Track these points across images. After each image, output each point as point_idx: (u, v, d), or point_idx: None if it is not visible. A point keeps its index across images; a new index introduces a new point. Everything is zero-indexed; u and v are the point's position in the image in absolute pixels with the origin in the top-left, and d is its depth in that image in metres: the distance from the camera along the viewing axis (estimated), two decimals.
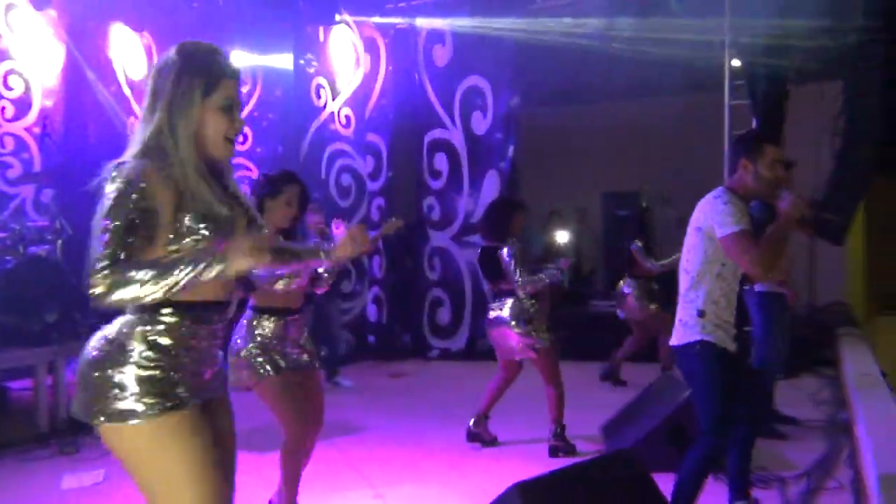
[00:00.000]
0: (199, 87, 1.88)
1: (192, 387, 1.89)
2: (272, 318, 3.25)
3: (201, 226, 1.85)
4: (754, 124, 6.48)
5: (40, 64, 6.67)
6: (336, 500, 3.93)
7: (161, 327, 1.85)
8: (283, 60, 8.52)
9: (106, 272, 1.70)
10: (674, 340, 3.13)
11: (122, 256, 1.73)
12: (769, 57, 6.38)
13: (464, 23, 8.44)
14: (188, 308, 1.86)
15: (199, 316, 1.89)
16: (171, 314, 1.85)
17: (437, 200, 8.95)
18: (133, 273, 1.70)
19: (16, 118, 6.55)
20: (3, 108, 6.47)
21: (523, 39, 8.16)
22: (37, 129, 6.31)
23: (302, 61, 8.49)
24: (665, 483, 3.06)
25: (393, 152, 9.42)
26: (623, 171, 9.81)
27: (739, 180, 3.10)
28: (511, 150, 8.66)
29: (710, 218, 2.99)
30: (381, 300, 9.21)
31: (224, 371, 2.08)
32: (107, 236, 1.74)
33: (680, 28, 7.04)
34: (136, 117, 7.31)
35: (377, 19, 9.06)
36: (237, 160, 8.55)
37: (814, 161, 6.78)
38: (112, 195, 1.78)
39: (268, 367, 3.20)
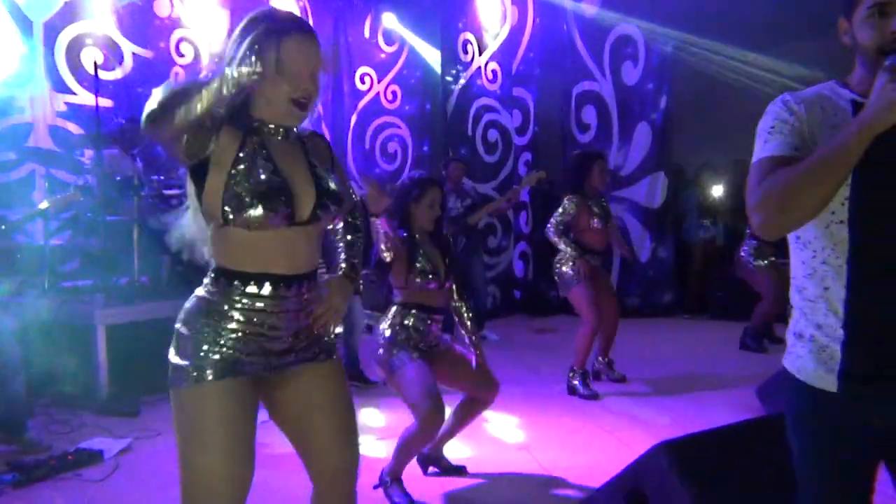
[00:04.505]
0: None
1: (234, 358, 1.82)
2: (418, 315, 3.37)
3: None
4: None
5: (207, 31, 7.11)
6: (482, 451, 4.02)
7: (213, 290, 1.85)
8: (430, 18, 8.58)
9: None
10: None
11: None
12: None
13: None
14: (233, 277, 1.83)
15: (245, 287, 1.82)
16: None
17: None
18: None
19: None
20: (177, 73, 6.97)
21: None
22: None
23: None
24: None
25: (540, 106, 9.30)
26: None
27: (853, 67, 1.66)
28: (664, 100, 8.29)
29: None
30: (528, 256, 9.22)
31: (316, 340, 1.94)
32: None
33: None
34: None
35: None
36: (387, 118, 8.77)
37: None
38: None
39: (403, 358, 3.26)
